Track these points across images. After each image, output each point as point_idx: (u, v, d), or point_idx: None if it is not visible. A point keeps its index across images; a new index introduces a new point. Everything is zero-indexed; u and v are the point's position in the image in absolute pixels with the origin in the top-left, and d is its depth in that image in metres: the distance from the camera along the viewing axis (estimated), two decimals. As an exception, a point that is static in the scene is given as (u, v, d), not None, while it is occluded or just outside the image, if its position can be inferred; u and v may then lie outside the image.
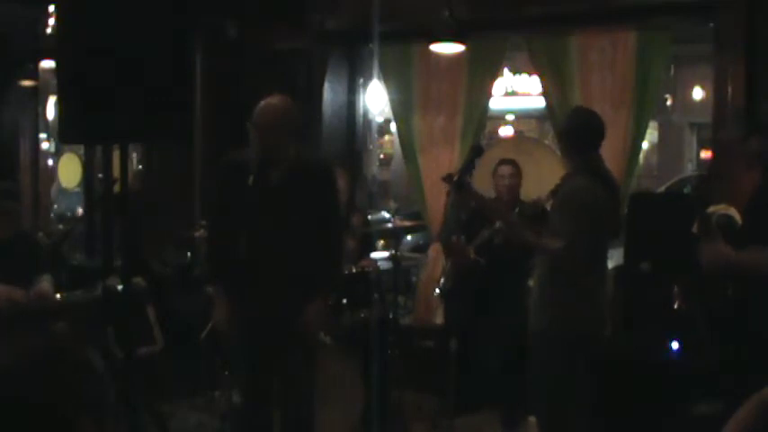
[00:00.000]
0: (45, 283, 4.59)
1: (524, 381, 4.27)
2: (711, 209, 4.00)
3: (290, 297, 3.82)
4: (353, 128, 6.97)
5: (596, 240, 3.92)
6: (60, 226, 9.19)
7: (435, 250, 6.30)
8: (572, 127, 4.02)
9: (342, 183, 5.18)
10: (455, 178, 4.21)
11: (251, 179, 3.65)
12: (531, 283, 5.18)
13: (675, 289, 4.33)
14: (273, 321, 3.80)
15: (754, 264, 3.40)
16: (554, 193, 4.05)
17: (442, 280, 5.27)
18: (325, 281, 3.97)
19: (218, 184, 4.11)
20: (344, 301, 4.79)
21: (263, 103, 3.83)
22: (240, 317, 3.85)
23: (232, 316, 3.86)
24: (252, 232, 3.74)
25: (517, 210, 4.36)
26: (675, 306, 4.37)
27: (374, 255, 5.25)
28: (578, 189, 3.88)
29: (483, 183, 5.28)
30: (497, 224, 4.68)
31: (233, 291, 3.87)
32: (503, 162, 5.24)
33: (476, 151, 4.41)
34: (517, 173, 5.19)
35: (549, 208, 4.17)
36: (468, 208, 4.61)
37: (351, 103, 6.92)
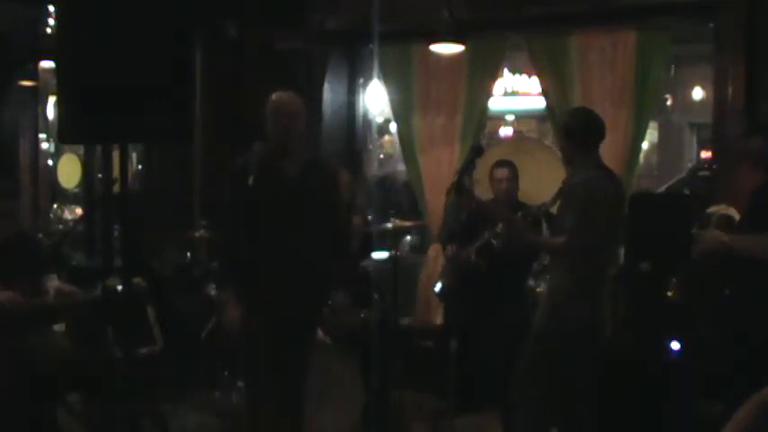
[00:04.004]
0: (56, 281, 4.59)
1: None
2: (712, 209, 4.02)
3: (311, 288, 3.92)
4: (353, 128, 6.98)
5: (604, 233, 3.91)
6: (60, 226, 9.19)
7: (435, 250, 6.30)
8: (578, 125, 4.03)
9: (343, 180, 5.18)
10: (455, 179, 4.21)
11: (269, 175, 3.73)
12: (530, 283, 5.21)
13: (673, 280, 4.33)
14: (295, 315, 3.86)
15: (748, 246, 3.45)
16: (559, 195, 4.06)
17: (439, 284, 5.28)
18: (341, 270, 4.11)
19: (234, 186, 3.97)
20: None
21: (276, 95, 3.92)
22: (259, 314, 3.86)
23: (242, 317, 3.87)
24: (273, 226, 3.79)
25: (519, 213, 4.33)
26: (669, 294, 4.37)
27: (374, 255, 5.25)
28: (583, 182, 3.89)
29: (483, 183, 5.28)
30: (499, 227, 4.68)
31: (250, 289, 3.87)
32: (498, 165, 5.11)
33: (476, 151, 4.40)
34: (513, 175, 5.08)
35: (554, 210, 4.17)
36: (467, 208, 4.60)
37: (351, 103, 6.92)
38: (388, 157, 19.09)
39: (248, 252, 3.83)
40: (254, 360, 3.98)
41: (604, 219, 3.88)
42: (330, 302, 4.05)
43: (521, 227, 4.18)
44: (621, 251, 5.08)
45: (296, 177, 3.90)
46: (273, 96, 3.93)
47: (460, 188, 4.12)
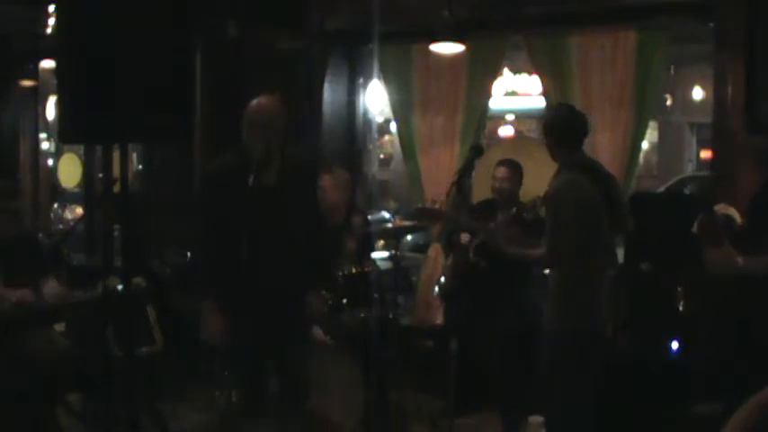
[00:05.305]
0: (53, 283, 4.58)
1: (524, 381, 4.27)
2: (711, 209, 4.00)
3: (291, 294, 3.87)
4: (353, 128, 6.98)
5: (586, 235, 3.78)
6: (60, 226, 9.20)
7: (435, 250, 6.30)
8: (556, 122, 3.97)
9: (343, 181, 5.18)
10: (454, 179, 4.20)
11: (251, 179, 3.63)
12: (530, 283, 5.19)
13: (679, 290, 4.32)
14: (276, 320, 3.82)
15: (763, 267, 3.38)
16: (543, 200, 4.01)
17: (442, 279, 5.29)
18: (322, 273, 4.17)
19: (211, 191, 3.96)
20: (344, 301, 4.79)
21: (256, 102, 3.84)
22: (242, 319, 3.84)
23: (225, 327, 3.80)
24: (253, 233, 3.72)
25: (515, 209, 4.29)
26: (680, 308, 4.35)
27: (374, 255, 5.24)
28: (557, 190, 3.81)
29: (484, 183, 5.28)
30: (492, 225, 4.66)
31: (230, 297, 3.82)
32: (501, 163, 5.07)
33: (476, 151, 4.39)
34: (515, 175, 5.03)
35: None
36: (467, 208, 4.60)
37: (351, 103, 6.92)
38: (388, 157, 19.12)
39: (228, 260, 3.72)
40: (245, 365, 3.97)
41: (585, 221, 3.75)
42: (309, 304, 3.99)
43: (498, 242, 4.13)
44: (621, 251, 5.08)
45: (272, 188, 3.80)
46: (250, 105, 3.82)
47: (460, 188, 4.12)
